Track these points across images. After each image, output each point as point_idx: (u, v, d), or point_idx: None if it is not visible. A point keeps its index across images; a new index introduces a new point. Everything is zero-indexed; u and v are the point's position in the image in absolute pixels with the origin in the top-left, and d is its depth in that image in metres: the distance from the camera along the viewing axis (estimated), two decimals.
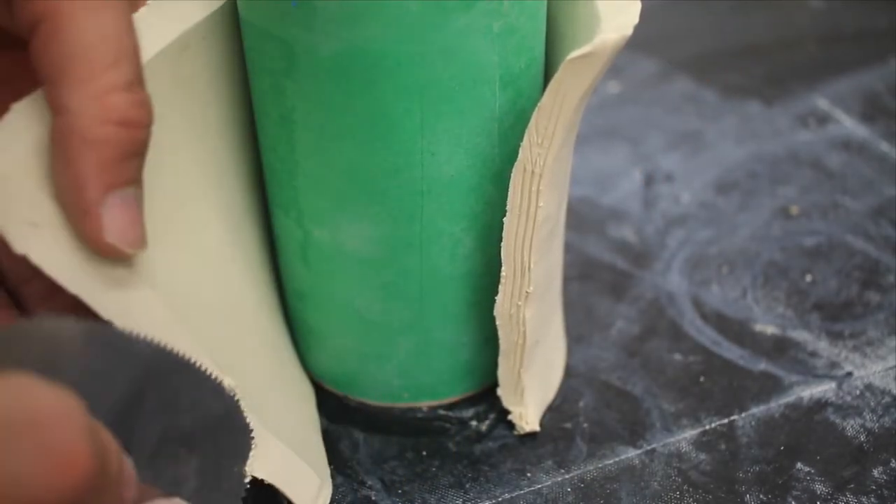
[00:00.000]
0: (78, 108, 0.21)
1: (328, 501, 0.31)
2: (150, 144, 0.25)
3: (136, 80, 0.22)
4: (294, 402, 0.33)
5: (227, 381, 0.24)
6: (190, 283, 0.28)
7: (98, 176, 0.22)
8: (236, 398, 0.24)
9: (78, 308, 0.26)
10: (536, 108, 0.26)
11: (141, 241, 0.23)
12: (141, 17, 0.26)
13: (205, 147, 0.29)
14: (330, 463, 0.33)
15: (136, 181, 0.23)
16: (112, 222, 0.22)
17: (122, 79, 0.22)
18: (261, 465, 0.28)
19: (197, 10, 0.27)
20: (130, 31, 0.22)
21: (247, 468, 0.27)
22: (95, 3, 0.22)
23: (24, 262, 0.24)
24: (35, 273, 0.24)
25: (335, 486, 0.32)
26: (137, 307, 0.24)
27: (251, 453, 0.26)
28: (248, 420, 0.25)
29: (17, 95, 0.24)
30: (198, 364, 0.23)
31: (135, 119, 0.22)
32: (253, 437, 0.25)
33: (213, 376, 0.23)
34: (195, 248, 0.29)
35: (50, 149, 0.22)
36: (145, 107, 0.22)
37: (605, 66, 0.26)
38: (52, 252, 0.22)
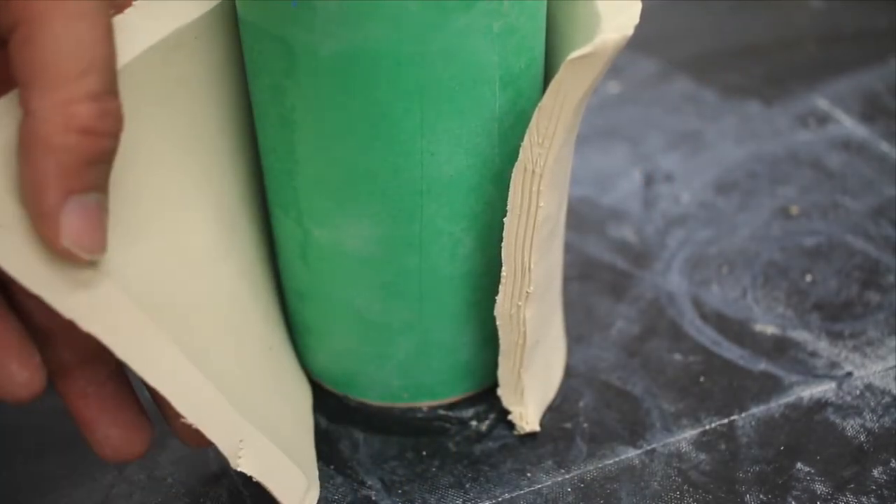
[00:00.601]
0: (43, 114, 0.22)
1: (315, 503, 0.31)
2: (137, 144, 0.25)
3: (105, 91, 0.22)
4: (287, 403, 0.33)
5: None
6: (173, 282, 0.28)
7: (57, 181, 0.22)
8: None
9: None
10: (537, 109, 0.26)
11: (100, 248, 0.23)
12: (129, 15, 0.26)
13: (197, 147, 0.29)
14: (330, 463, 0.33)
15: (98, 188, 0.23)
16: (69, 227, 0.22)
17: (89, 89, 0.22)
18: (249, 462, 0.28)
19: (189, 9, 0.27)
20: (105, 41, 0.23)
21: (236, 465, 0.27)
22: (73, 11, 0.22)
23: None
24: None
25: (335, 487, 0.32)
26: (104, 308, 0.24)
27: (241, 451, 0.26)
28: None
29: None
30: None
31: (98, 128, 0.22)
32: None
33: None
34: (182, 247, 0.29)
35: (16, 150, 0.22)
36: (111, 116, 0.23)
37: (605, 66, 0.26)
38: (15, 253, 0.22)
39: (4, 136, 0.22)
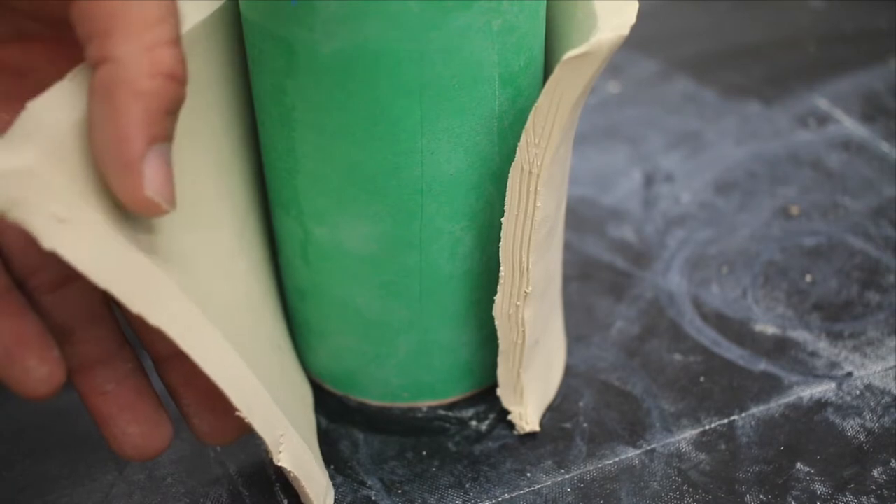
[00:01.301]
0: (128, 60, 0.22)
1: (332, 502, 0.31)
2: None
3: (179, 38, 0.23)
4: (295, 403, 0.33)
5: None
6: (210, 277, 0.28)
7: (143, 128, 0.22)
8: None
9: (84, 298, 0.26)
10: (533, 109, 0.26)
11: (174, 199, 0.23)
12: None
13: (209, 147, 0.29)
14: (330, 463, 0.33)
15: (171, 138, 0.23)
16: (153, 176, 0.22)
17: (170, 35, 0.22)
18: (288, 456, 0.28)
19: (197, 10, 0.27)
20: None
21: (278, 459, 0.27)
22: None
23: (29, 253, 0.24)
24: (41, 265, 0.24)
25: (335, 486, 0.32)
26: (165, 302, 0.24)
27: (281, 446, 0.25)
28: None
29: (31, 87, 0.24)
30: None
31: (179, 74, 0.22)
32: None
33: None
34: (209, 243, 0.29)
35: (89, 103, 0.22)
36: (185, 64, 0.23)
37: (601, 66, 0.26)
38: (81, 247, 0.22)
39: (57, 129, 0.22)
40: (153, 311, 0.23)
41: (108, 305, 0.26)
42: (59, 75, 0.23)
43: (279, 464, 0.28)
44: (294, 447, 0.28)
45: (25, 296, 0.25)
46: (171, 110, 0.23)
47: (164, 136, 0.22)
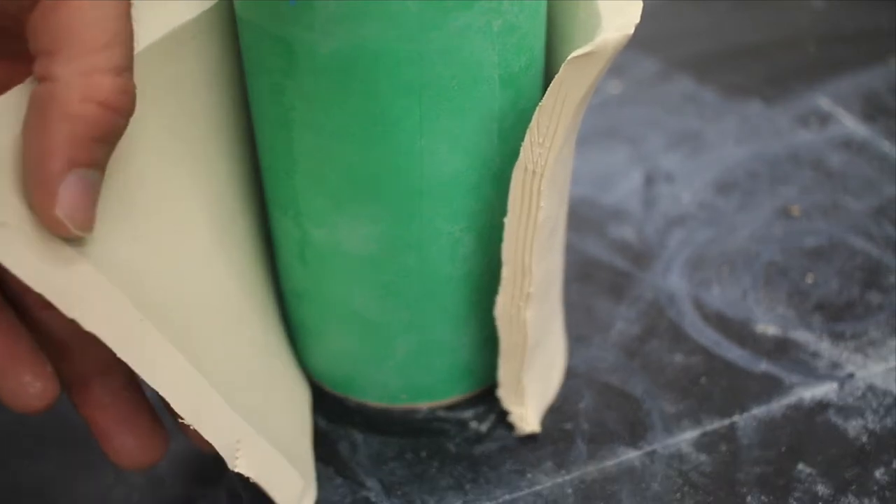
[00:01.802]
0: (63, 81, 0.22)
1: None
2: (134, 141, 0.25)
3: (125, 67, 0.22)
4: (284, 405, 0.33)
5: None
6: (169, 281, 0.28)
7: (66, 149, 0.22)
8: None
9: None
10: (537, 108, 0.26)
11: (89, 226, 0.23)
12: None
13: (193, 146, 0.29)
14: (329, 464, 0.33)
15: (99, 166, 0.23)
16: (66, 198, 0.22)
17: (112, 63, 0.22)
18: (246, 463, 0.28)
19: (185, 9, 0.27)
20: (127, 18, 0.23)
21: (233, 465, 0.27)
22: None
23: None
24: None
25: (334, 488, 0.32)
26: (103, 307, 0.24)
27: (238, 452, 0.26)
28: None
29: None
30: None
31: (116, 104, 0.22)
32: None
33: None
34: (177, 247, 0.29)
35: (25, 115, 0.22)
36: (128, 95, 0.23)
37: (606, 65, 0.26)
38: (17, 251, 0.22)
39: (11, 135, 0.22)
40: (89, 316, 0.23)
41: None
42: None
43: (235, 470, 0.28)
44: (256, 452, 0.28)
45: (21, 313, 0.25)
46: (102, 139, 0.22)
47: (88, 162, 0.22)
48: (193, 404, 0.26)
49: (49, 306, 0.24)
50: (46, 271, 0.23)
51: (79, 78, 0.22)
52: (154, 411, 0.28)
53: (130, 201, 0.26)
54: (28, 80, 0.23)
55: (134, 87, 0.23)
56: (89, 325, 0.23)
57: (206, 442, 0.27)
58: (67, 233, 0.23)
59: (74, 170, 0.22)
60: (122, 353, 0.24)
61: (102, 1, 0.22)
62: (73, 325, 0.23)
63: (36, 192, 0.22)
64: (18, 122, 0.22)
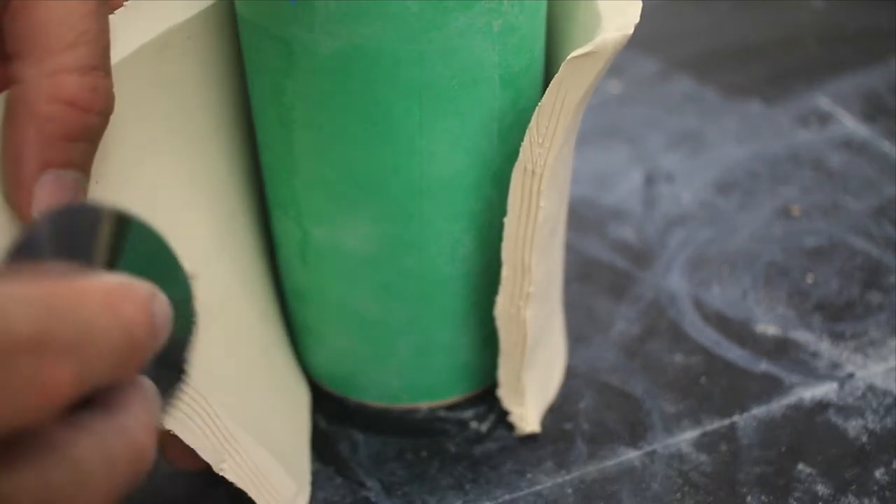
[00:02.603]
0: (31, 82, 0.22)
1: None
2: (132, 140, 0.25)
3: (94, 66, 0.22)
4: (281, 406, 0.33)
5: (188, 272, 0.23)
6: None
7: (37, 150, 0.22)
8: (192, 286, 0.23)
9: None
10: (537, 108, 0.26)
11: None
12: (121, 15, 0.25)
13: (191, 146, 0.29)
14: (329, 464, 0.33)
15: (78, 165, 0.23)
16: (42, 198, 0.22)
17: (77, 62, 0.22)
18: (233, 467, 0.28)
19: (181, 9, 0.27)
20: (97, 17, 0.23)
21: (219, 469, 0.27)
22: None
23: None
24: None
25: (335, 488, 0.32)
26: None
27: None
28: (196, 311, 0.23)
29: None
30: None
31: (84, 102, 0.22)
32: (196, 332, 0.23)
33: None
34: (178, 246, 0.28)
35: (2, 118, 0.22)
36: (100, 93, 0.23)
37: (605, 65, 0.26)
38: None
39: None
40: None
41: None
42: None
43: (221, 474, 0.27)
44: (245, 456, 0.28)
45: None
46: (74, 138, 0.22)
47: (64, 162, 0.22)
48: (180, 412, 0.26)
49: None
50: None
51: (45, 79, 0.22)
52: None
53: (129, 200, 0.26)
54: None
55: (108, 84, 0.23)
56: None
57: (187, 456, 0.27)
58: None
59: (50, 170, 0.22)
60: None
61: (67, 1, 0.22)
62: None
63: (12, 193, 0.22)
64: None
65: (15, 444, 0.16)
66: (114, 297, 0.17)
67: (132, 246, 0.20)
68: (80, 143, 0.23)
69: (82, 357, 0.16)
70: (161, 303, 0.19)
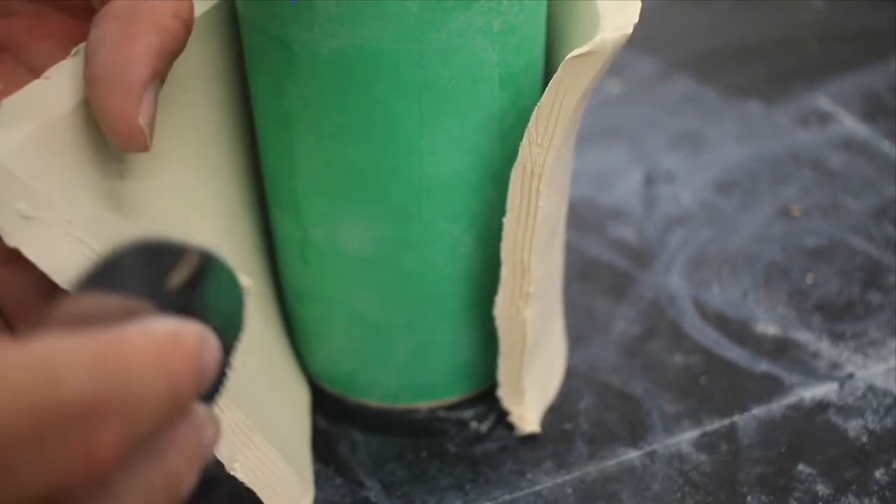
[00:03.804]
0: None
1: None
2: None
3: None
4: (283, 406, 0.33)
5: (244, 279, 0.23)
6: None
7: (153, 59, 0.23)
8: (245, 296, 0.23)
9: (34, 274, 0.26)
10: (536, 108, 0.26)
11: (149, 144, 0.24)
12: None
13: (195, 146, 0.29)
14: (329, 464, 0.33)
15: (164, 80, 0.24)
16: (146, 108, 0.23)
17: None
18: (244, 467, 0.28)
19: None
20: None
21: (232, 469, 0.27)
22: None
23: (17, 297, 0.24)
24: (30, 307, 0.25)
25: (334, 488, 0.32)
26: None
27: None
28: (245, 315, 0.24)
29: (10, 62, 0.25)
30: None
31: (190, 23, 0.24)
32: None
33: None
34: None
35: (101, 26, 0.23)
36: (192, 17, 0.24)
37: (604, 65, 0.25)
38: (43, 246, 0.22)
39: (28, 128, 0.22)
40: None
41: None
42: (37, 50, 0.24)
43: (232, 473, 0.27)
44: (256, 455, 0.28)
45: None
46: (175, 54, 0.24)
47: (162, 75, 0.23)
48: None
49: (5, 263, 0.24)
50: (69, 265, 0.23)
51: None
52: None
53: (144, 198, 0.26)
54: (72, 53, 0.24)
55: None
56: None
57: None
58: (143, 145, 0.23)
59: (156, 80, 0.23)
60: None
61: None
62: (28, 285, 0.23)
63: (121, 99, 0.22)
64: (35, 117, 0.22)
65: (59, 500, 0.16)
66: (164, 352, 0.17)
67: (204, 282, 0.21)
68: (173, 59, 0.24)
69: (130, 420, 0.16)
70: (211, 347, 0.19)
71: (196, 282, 0.20)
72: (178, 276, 0.20)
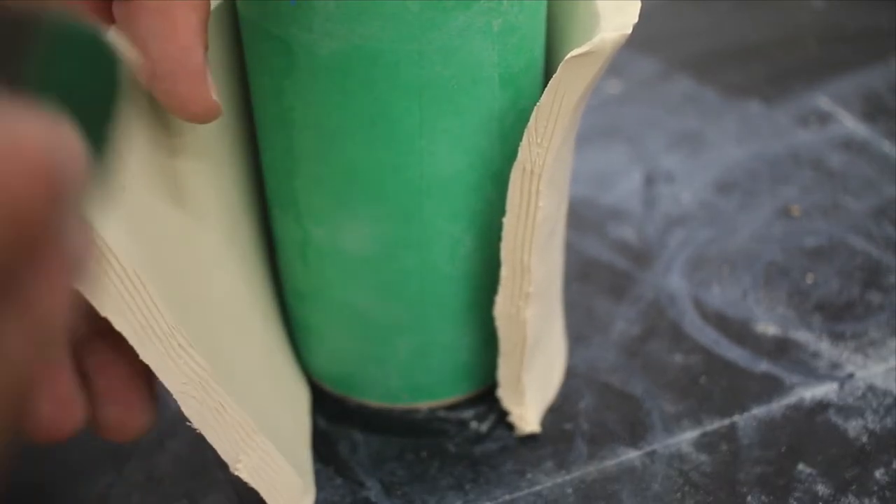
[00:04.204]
0: None
1: None
2: (145, 140, 0.26)
3: None
4: (284, 405, 0.33)
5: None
6: (186, 279, 0.28)
7: (201, 37, 0.23)
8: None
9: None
10: (535, 108, 0.26)
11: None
12: None
13: (199, 146, 0.29)
14: (329, 464, 0.33)
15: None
16: (212, 82, 0.23)
17: None
18: (248, 467, 0.28)
19: None
20: None
21: (235, 469, 0.27)
22: None
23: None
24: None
25: (334, 488, 0.32)
26: (122, 295, 0.24)
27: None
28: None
29: None
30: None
31: None
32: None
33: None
34: (190, 247, 0.29)
35: (141, 24, 0.23)
36: None
37: (604, 65, 0.25)
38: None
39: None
40: (106, 304, 0.24)
41: None
42: None
43: (235, 473, 0.27)
44: (259, 456, 0.28)
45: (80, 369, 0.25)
46: (208, 21, 0.24)
47: (207, 45, 0.24)
48: (202, 407, 0.26)
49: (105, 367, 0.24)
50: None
51: None
52: (140, 381, 0.27)
53: (152, 201, 0.26)
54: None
55: None
56: (107, 311, 0.24)
57: (114, 430, 0.27)
58: (219, 113, 0.24)
59: (207, 54, 0.23)
60: (140, 351, 0.24)
61: None
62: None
63: (191, 85, 0.23)
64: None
65: None
66: None
67: (58, 57, 0.17)
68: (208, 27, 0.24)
69: None
70: (67, 148, 0.14)
71: (49, 58, 0.16)
72: (19, 53, 0.16)
